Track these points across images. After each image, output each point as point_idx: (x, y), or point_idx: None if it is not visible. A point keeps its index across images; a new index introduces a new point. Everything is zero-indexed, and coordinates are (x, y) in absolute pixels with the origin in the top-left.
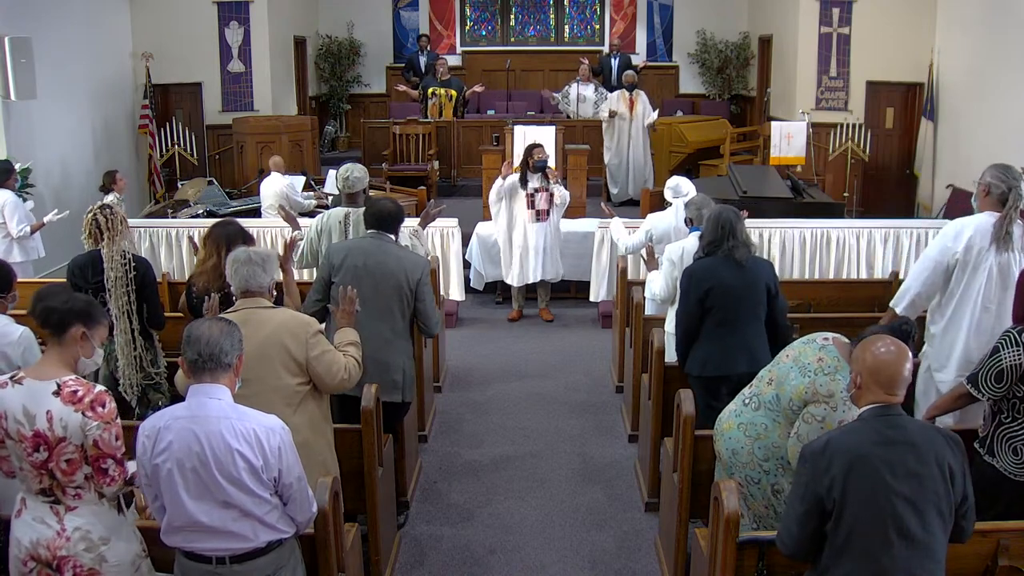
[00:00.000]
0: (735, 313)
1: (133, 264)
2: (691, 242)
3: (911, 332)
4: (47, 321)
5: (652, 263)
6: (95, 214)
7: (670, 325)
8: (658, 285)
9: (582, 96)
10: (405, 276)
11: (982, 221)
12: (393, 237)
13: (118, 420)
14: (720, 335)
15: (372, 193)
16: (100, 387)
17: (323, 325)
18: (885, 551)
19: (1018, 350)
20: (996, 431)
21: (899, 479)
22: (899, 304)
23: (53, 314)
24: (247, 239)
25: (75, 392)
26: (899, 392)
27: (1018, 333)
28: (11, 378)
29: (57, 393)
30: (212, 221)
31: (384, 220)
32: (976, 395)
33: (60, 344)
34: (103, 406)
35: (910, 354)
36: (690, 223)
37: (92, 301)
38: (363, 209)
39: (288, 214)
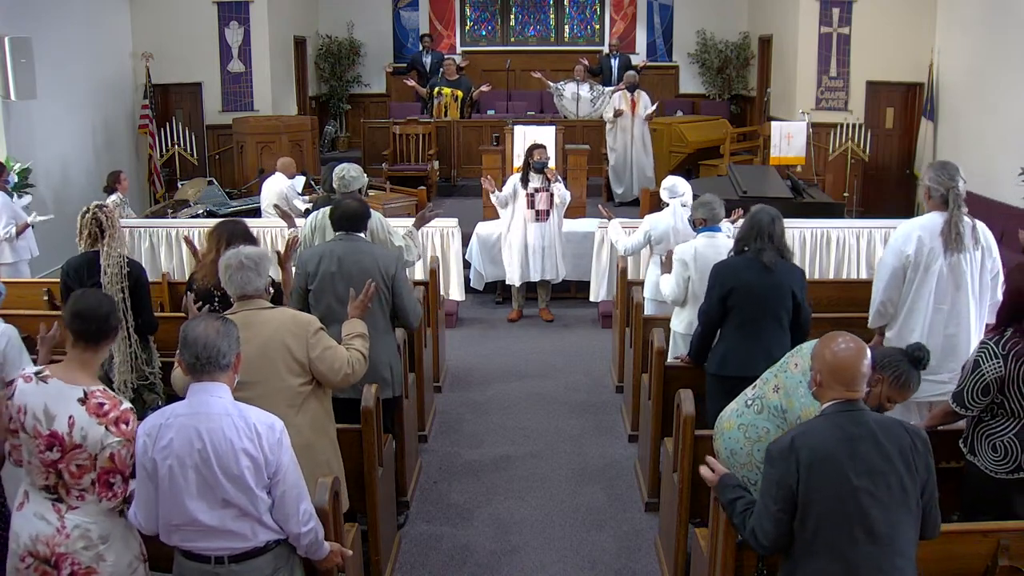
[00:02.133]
0: (756, 315)
1: (127, 268)
2: (701, 242)
3: (923, 359)
4: (85, 334)
5: (668, 266)
6: (95, 214)
7: (677, 324)
8: (669, 287)
9: (579, 95)
10: (380, 272)
11: (928, 221)
12: (362, 235)
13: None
14: (740, 336)
15: (372, 193)
16: (127, 403)
17: None
18: (852, 548)
19: (998, 362)
20: (976, 428)
21: (863, 476)
22: (870, 318)
23: (94, 333)
24: (249, 239)
25: (101, 404)
26: (859, 388)
27: (995, 344)
28: (37, 375)
29: (83, 401)
30: (212, 221)
31: (352, 220)
32: (963, 413)
33: (94, 353)
34: (127, 424)
35: (868, 350)
36: (703, 223)
37: (115, 308)
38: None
39: (284, 212)
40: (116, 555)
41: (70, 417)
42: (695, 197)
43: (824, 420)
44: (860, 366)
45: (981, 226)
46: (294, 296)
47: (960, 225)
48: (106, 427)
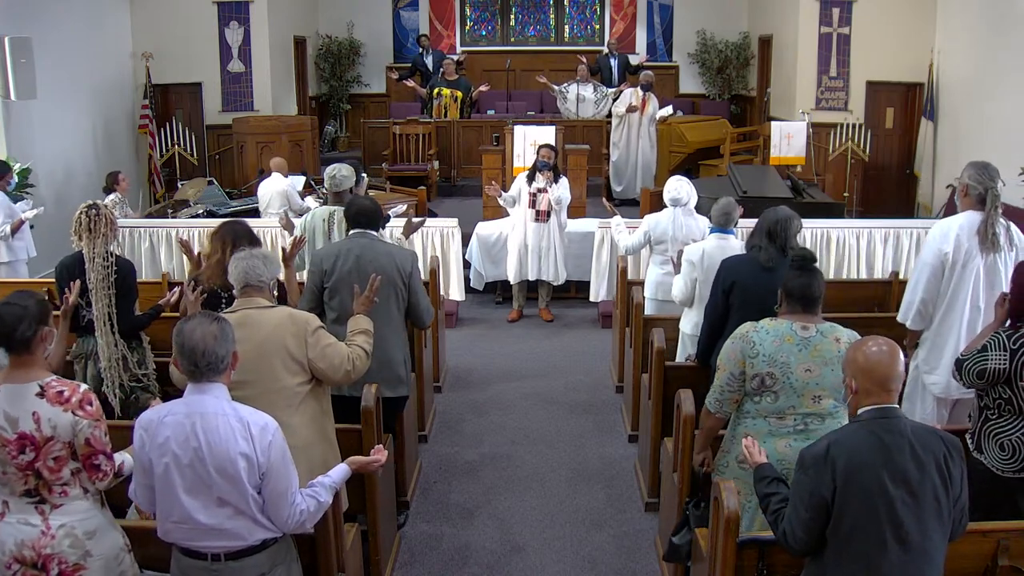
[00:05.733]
0: (753, 313)
1: (115, 267)
2: (710, 243)
3: (811, 256)
4: (12, 348)
5: (679, 267)
6: (81, 213)
7: (685, 325)
8: (677, 287)
9: (582, 96)
10: (397, 271)
11: (965, 219)
12: (377, 233)
13: (103, 416)
14: None
15: (372, 194)
16: (84, 386)
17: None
18: (883, 556)
19: (1004, 355)
20: (983, 427)
21: (898, 484)
22: (907, 316)
23: (18, 343)
24: (253, 240)
25: (60, 392)
26: (895, 388)
27: (1007, 337)
28: None
29: (41, 395)
30: (212, 221)
31: (367, 217)
32: (955, 377)
33: (30, 355)
34: (90, 404)
35: (901, 352)
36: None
37: (34, 298)
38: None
39: (289, 221)
40: (102, 548)
41: (33, 413)
42: (702, 199)
43: (859, 427)
44: (895, 366)
45: (1014, 228)
46: (307, 295)
47: (996, 225)
48: (72, 412)
